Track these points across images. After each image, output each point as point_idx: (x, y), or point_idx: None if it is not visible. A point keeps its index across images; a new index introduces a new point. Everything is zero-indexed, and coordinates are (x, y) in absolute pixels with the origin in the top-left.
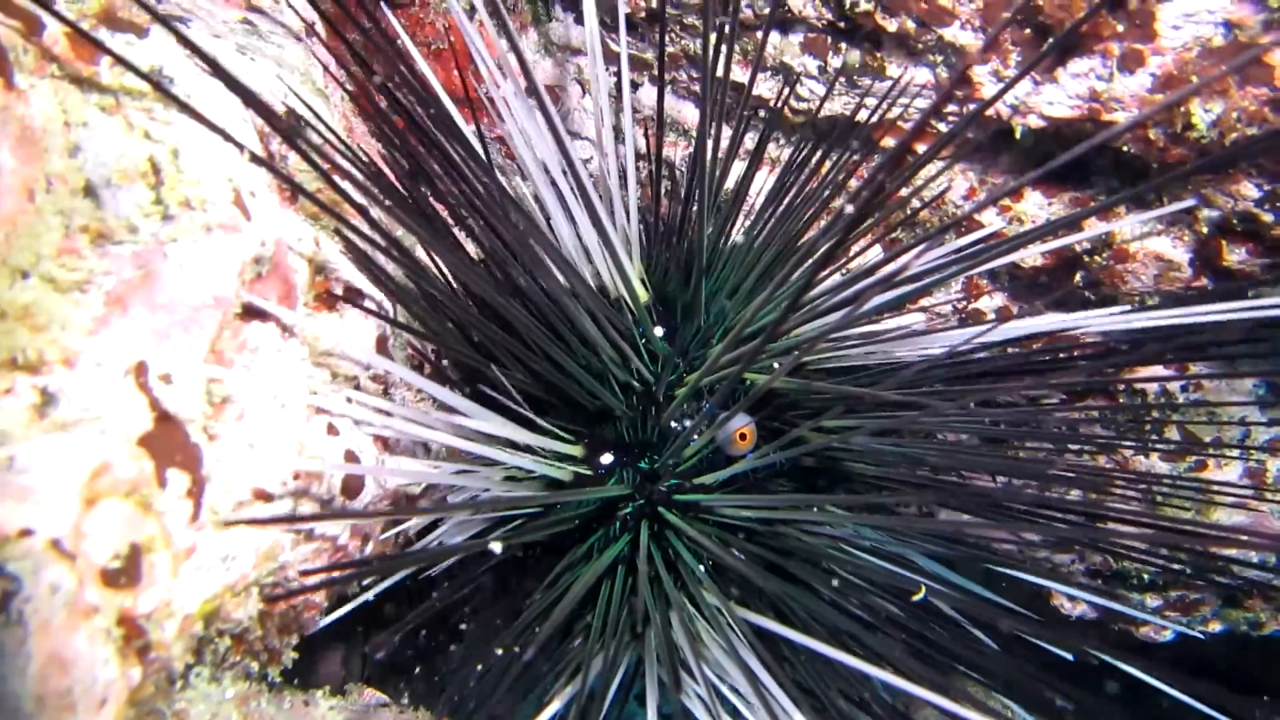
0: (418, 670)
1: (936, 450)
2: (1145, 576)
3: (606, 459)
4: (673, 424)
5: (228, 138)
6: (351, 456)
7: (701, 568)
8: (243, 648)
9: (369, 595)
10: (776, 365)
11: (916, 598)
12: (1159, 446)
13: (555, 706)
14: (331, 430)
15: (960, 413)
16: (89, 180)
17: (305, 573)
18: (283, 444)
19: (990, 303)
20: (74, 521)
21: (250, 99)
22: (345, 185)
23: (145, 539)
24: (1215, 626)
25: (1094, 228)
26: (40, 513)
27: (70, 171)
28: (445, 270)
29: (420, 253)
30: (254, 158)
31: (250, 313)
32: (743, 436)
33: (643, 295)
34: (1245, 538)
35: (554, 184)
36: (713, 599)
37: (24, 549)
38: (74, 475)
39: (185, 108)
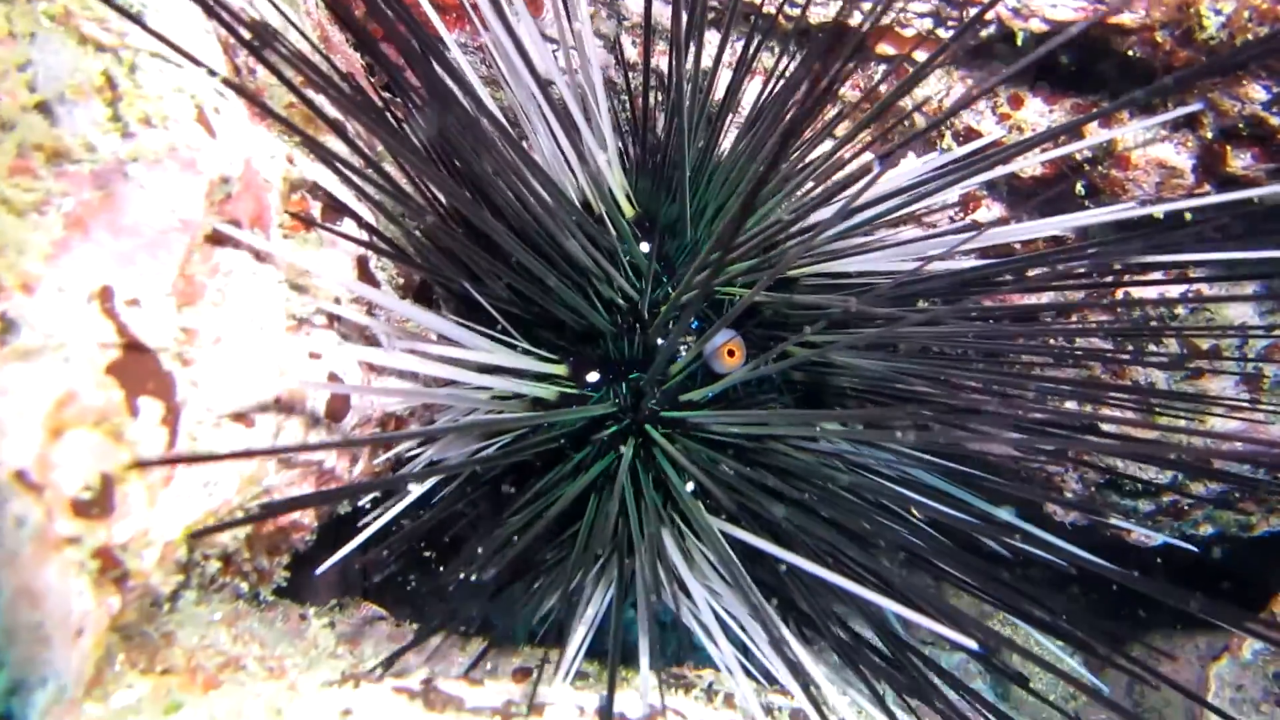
0: (411, 588)
1: (924, 365)
2: (1139, 485)
3: (592, 377)
4: (659, 341)
5: (186, 55)
6: (335, 379)
7: (690, 485)
8: (232, 569)
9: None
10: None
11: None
12: (1153, 361)
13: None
14: (313, 355)
15: (938, 328)
16: (41, 96)
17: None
18: (262, 369)
19: (988, 214)
20: (39, 453)
21: (210, 7)
22: (320, 99)
23: (117, 469)
24: (1206, 529)
25: (1096, 135)
26: (3, 444)
27: (19, 86)
28: (425, 186)
29: (398, 173)
30: (216, 77)
31: (222, 235)
32: (730, 353)
33: (628, 210)
34: (1240, 445)
35: (534, 98)
36: (692, 510)
37: None
38: (38, 405)
39: (137, 21)
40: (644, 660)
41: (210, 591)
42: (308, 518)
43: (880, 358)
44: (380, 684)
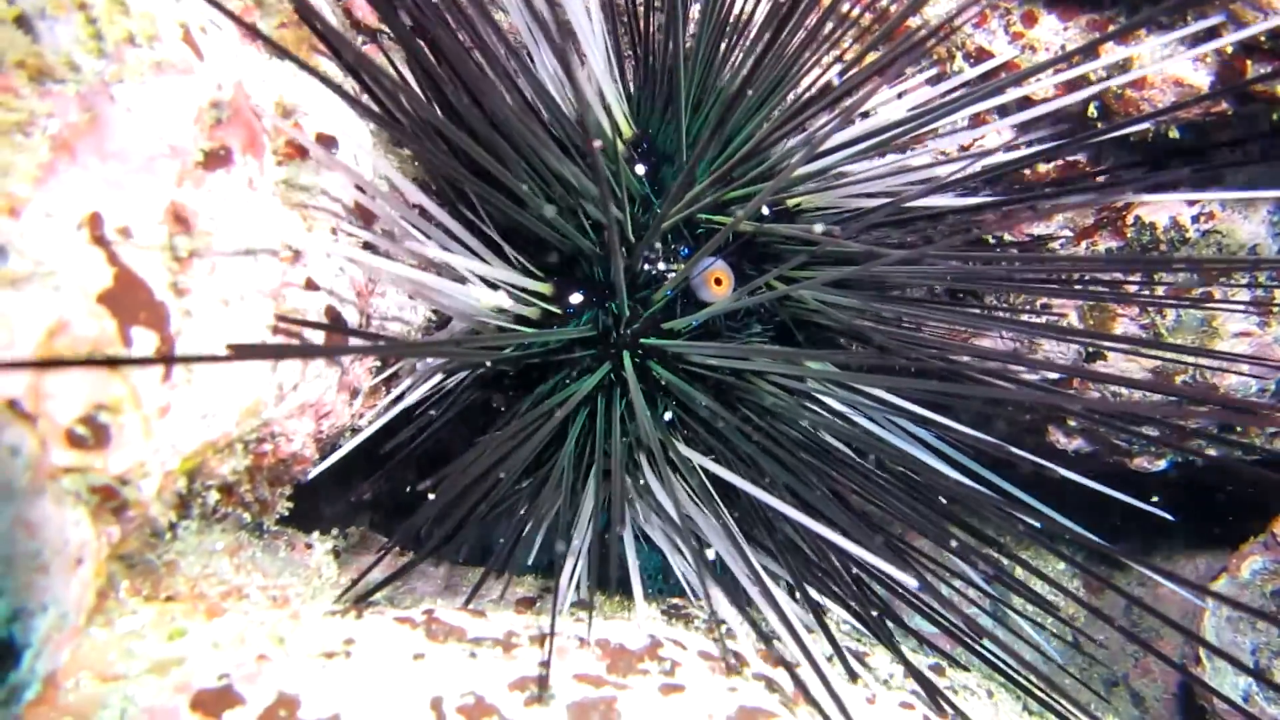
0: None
1: (909, 306)
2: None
3: (575, 299)
4: (646, 266)
5: None
6: (331, 308)
7: (669, 414)
8: (233, 500)
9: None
10: (767, 211)
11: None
12: (1163, 297)
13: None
14: (310, 285)
15: (922, 267)
16: (21, 9)
17: None
18: (258, 296)
19: (999, 140)
20: (30, 382)
21: None
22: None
23: (112, 400)
24: (1211, 452)
25: (1111, 54)
26: None
27: None
28: (419, 95)
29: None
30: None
31: (213, 161)
32: (718, 282)
33: (626, 131)
34: (1246, 367)
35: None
36: (661, 438)
37: None
38: (28, 334)
39: None
40: (637, 591)
41: (212, 521)
42: (309, 449)
43: (869, 296)
44: (382, 614)
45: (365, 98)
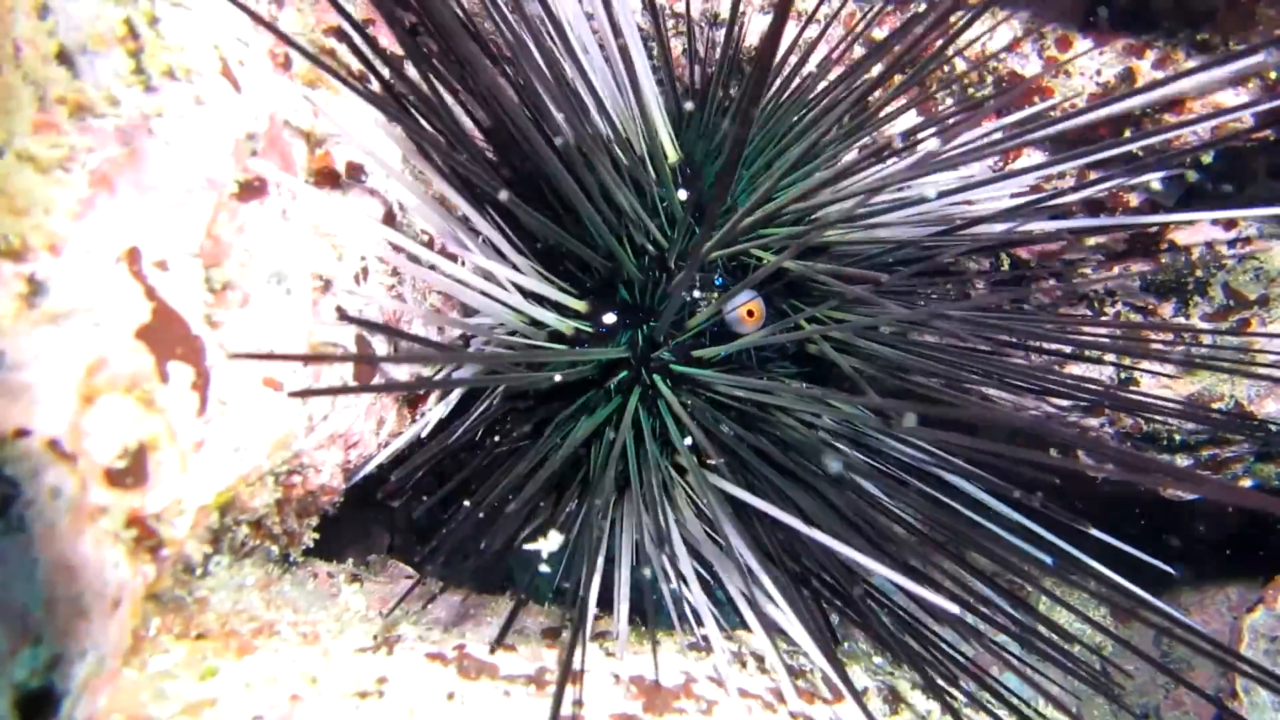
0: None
1: (940, 356)
2: (1176, 438)
3: (609, 319)
4: (682, 293)
5: None
6: (362, 339)
7: (689, 440)
8: (262, 533)
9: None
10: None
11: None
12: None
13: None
14: (341, 313)
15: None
16: (62, 45)
17: None
18: (290, 330)
19: (1029, 162)
20: (72, 420)
21: None
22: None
23: (150, 436)
24: (1246, 483)
25: (1147, 76)
26: (36, 411)
27: (40, 35)
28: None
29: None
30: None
31: (247, 193)
32: (750, 314)
33: (671, 155)
34: None
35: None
36: (686, 464)
37: (20, 450)
38: (69, 371)
39: None
40: (618, 622)
41: (241, 556)
42: (336, 480)
43: (897, 341)
44: (413, 650)
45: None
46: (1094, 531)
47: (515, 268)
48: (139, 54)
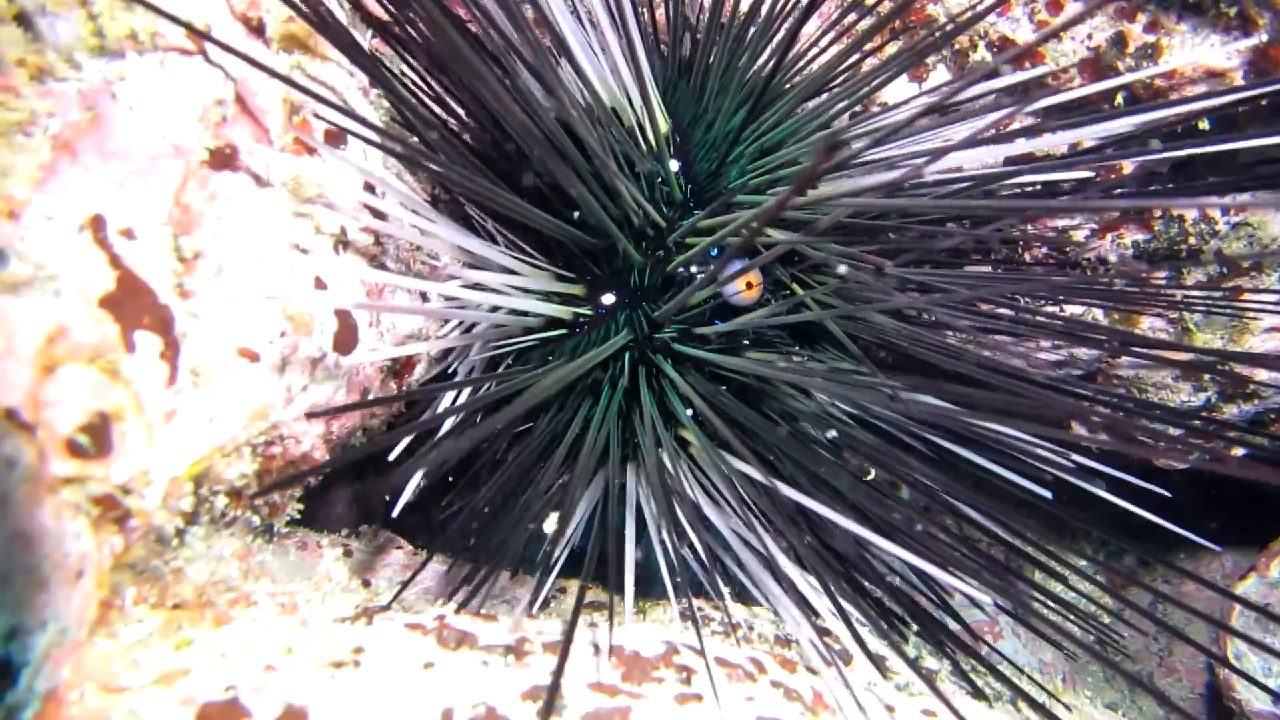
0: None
1: (936, 333)
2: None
3: (608, 299)
4: (679, 270)
5: None
6: (342, 311)
7: (690, 413)
8: (242, 504)
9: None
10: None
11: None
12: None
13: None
14: (319, 284)
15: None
16: (20, 6)
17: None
18: (265, 300)
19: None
20: (29, 390)
21: None
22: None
23: (114, 406)
24: (1237, 451)
25: (1140, 40)
26: None
27: None
28: (450, 90)
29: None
30: None
31: (218, 160)
32: (749, 285)
33: (663, 125)
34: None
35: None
36: (691, 437)
37: None
38: (28, 340)
39: None
40: (629, 593)
41: (220, 526)
42: (319, 451)
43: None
44: (392, 620)
45: (378, 93)
46: (1108, 496)
47: (511, 271)
48: (98, 17)
